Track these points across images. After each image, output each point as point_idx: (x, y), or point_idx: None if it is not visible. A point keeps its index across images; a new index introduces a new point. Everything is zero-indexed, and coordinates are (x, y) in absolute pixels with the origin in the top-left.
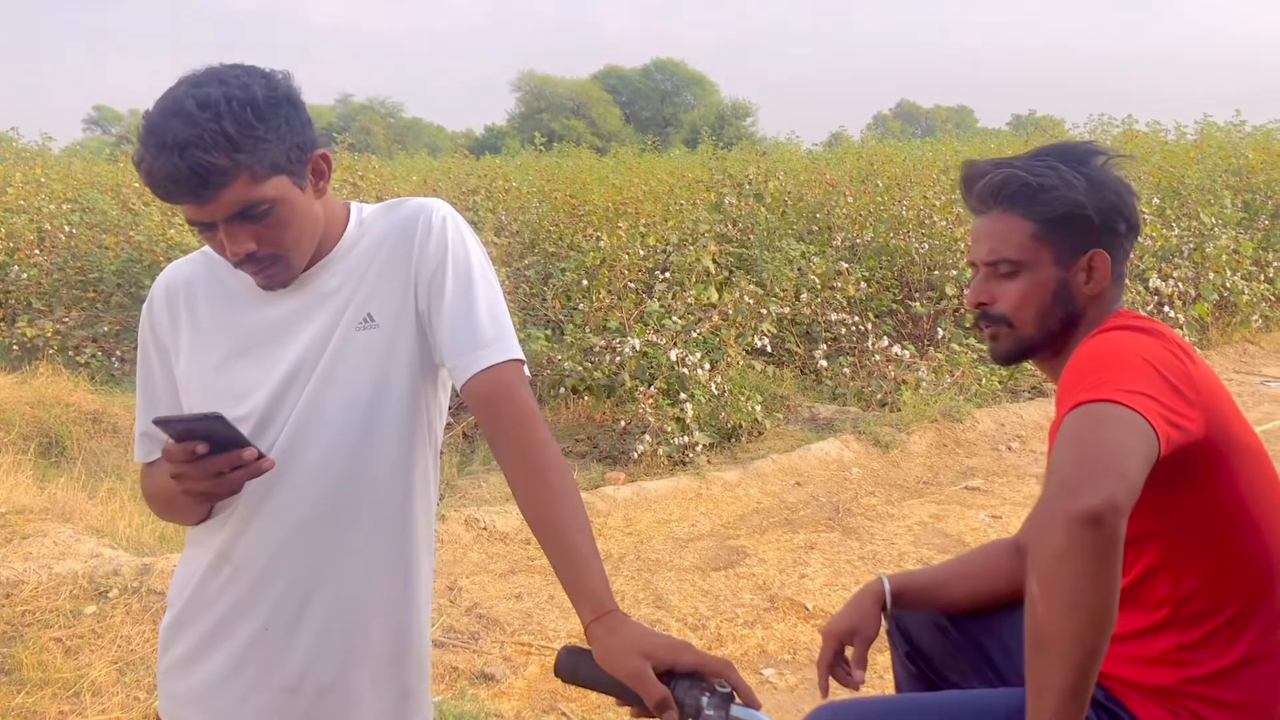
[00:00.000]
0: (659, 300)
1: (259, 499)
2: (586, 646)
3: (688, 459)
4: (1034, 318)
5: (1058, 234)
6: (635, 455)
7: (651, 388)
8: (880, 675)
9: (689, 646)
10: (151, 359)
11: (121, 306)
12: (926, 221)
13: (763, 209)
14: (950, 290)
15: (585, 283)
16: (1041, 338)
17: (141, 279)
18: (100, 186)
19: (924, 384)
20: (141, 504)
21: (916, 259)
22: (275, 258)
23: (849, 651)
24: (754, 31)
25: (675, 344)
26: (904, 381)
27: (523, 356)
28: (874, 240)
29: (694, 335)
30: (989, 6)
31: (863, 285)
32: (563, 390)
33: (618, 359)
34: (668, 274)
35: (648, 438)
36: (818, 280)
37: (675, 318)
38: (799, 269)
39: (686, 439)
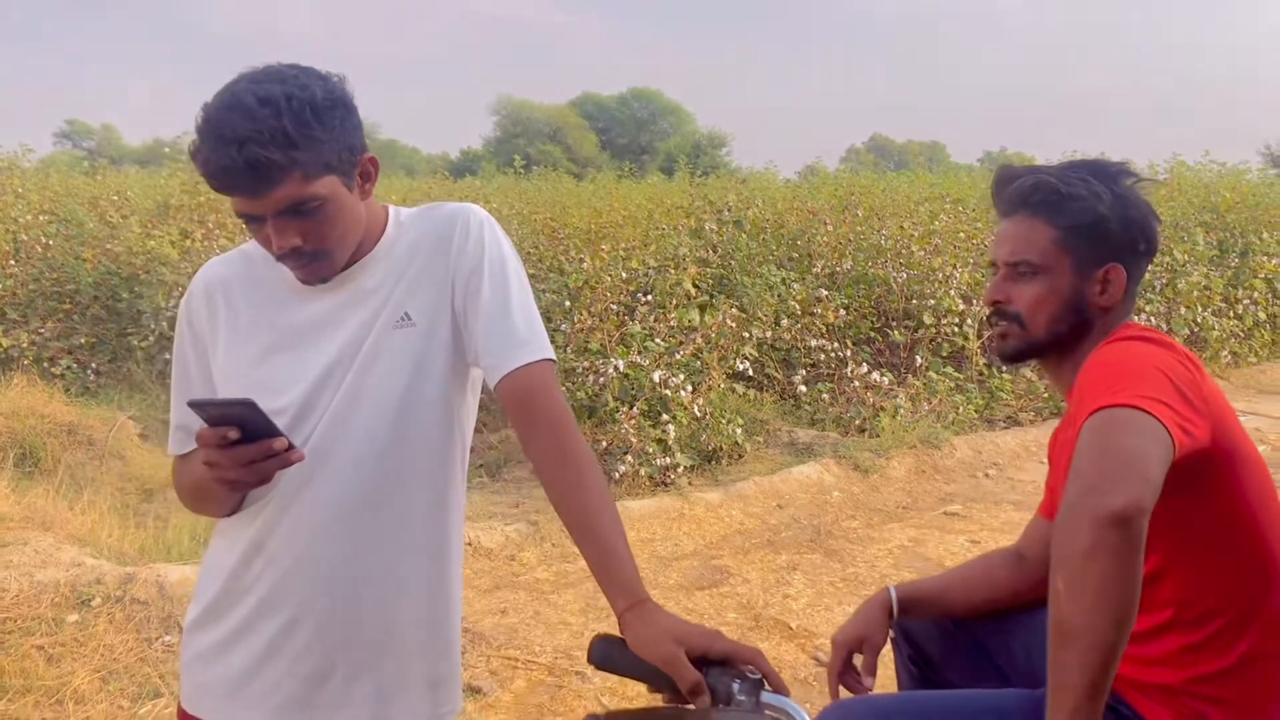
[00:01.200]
0: (641, 323)
1: (294, 491)
2: (618, 635)
3: (669, 480)
4: (1046, 321)
5: (1079, 243)
6: (617, 476)
7: (633, 409)
8: (883, 684)
9: (720, 634)
10: (187, 353)
11: (98, 319)
12: (904, 251)
13: (743, 235)
14: (928, 319)
15: (567, 304)
16: (1049, 341)
17: (119, 291)
18: (78, 199)
19: (902, 411)
20: (123, 514)
21: (895, 287)
22: (319, 254)
23: (858, 660)
24: (729, 63)
25: (658, 366)
26: (882, 408)
27: (554, 357)
28: (853, 269)
29: (677, 357)
30: (964, 46)
31: (842, 313)
32: None
33: (600, 380)
34: (650, 297)
35: (629, 458)
36: (798, 306)
37: (658, 340)
38: (779, 295)
39: (668, 460)
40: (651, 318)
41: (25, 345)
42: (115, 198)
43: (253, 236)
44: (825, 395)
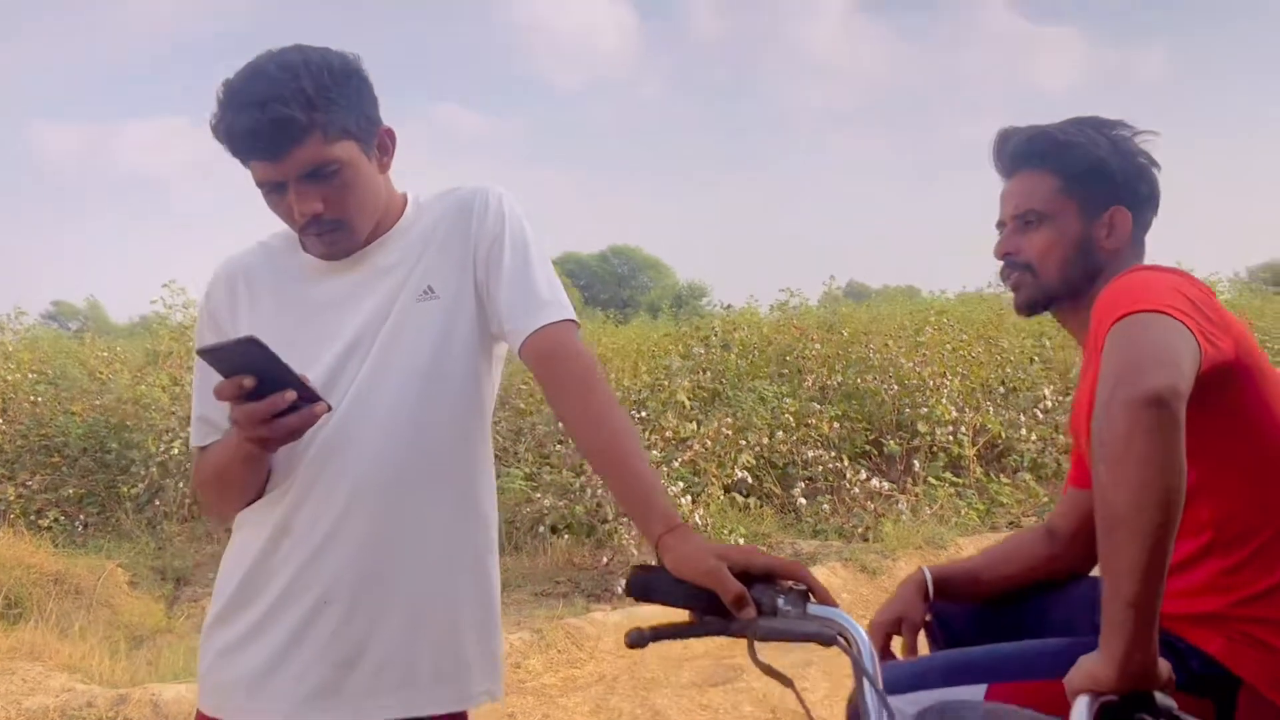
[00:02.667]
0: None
1: (319, 468)
2: (654, 564)
3: None
4: (1057, 266)
5: (1082, 188)
6: (619, 591)
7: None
8: None
9: (759, 550)
10: (207, 341)
11: (87, 471)
12: (893, 365)
13: (731, 355)
14: (922, 428)
15: (561, 425)
16: (1062, 287)
17: (108, 441)
18: (67, 356)
19: (904, 517)
20: (114, 642)
21: (886, 399)
22: (339, 223)
23: (897, 644)
24: (707, 215)
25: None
26: (884, 515)
27: (577, 319)
28: (843, 383)
29: (675, 465)
30: (935, 190)
31: (836, 425)
32: (542, 529)
33: (598, 494)
34: (644, 413)
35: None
36: (792, 419)
37: (654, 451)
38: (772, 409)
39: None
40: (647, 431)
41: (12, 498)
42: (105, 353)
43: (274, 211)
44: (826, 506)
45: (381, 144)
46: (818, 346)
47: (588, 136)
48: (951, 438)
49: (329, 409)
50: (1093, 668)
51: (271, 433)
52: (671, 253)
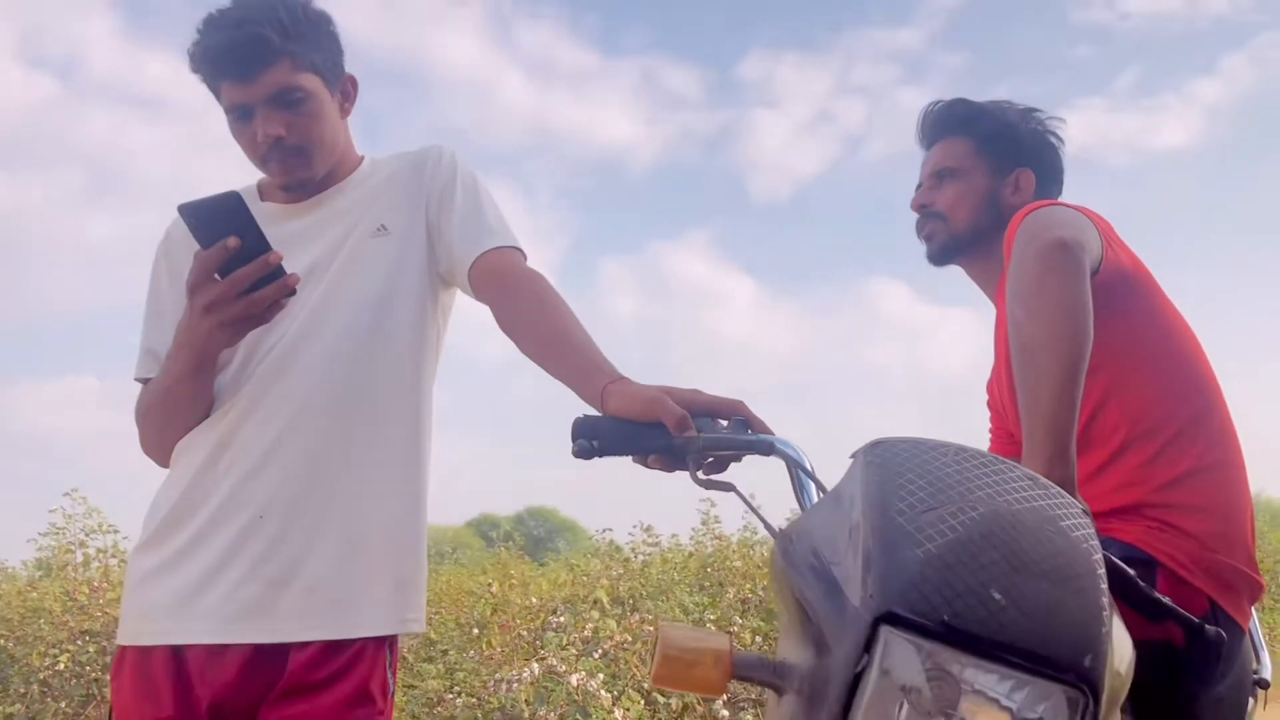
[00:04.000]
0: (556, 632)
1: (267, 385)
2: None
3: None
4: (966, 214)
5: (991, 148)
6: None
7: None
8: None
9: (701, 390)
10: (162, 280)
11: None
12: None
13: (652, 568)
14: None
15: (475, 631)
16: (971, 234)
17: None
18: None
19: None
20: None
21: None
22: (300, 149)
23: None
24: (621, 474)
25: (575, 670)
26: None
27: (525, 251)
28: (764, 598)
29: (594, 658)
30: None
31: (758, 639)
32: None
33: (514, 688)
34: (561, 618)
35: None
36: (714, 627)
37: (571, 649)
38: (694, 619)
39: None
40: (565, 631)
41: None
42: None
43: (238, 140)
44: (750, 718)
45: (345, 90)
46: (738, 562)
47: (507, 406)
48: None
49: (298, 280)
50: None
51: (248, 307)
52: (589, 513)
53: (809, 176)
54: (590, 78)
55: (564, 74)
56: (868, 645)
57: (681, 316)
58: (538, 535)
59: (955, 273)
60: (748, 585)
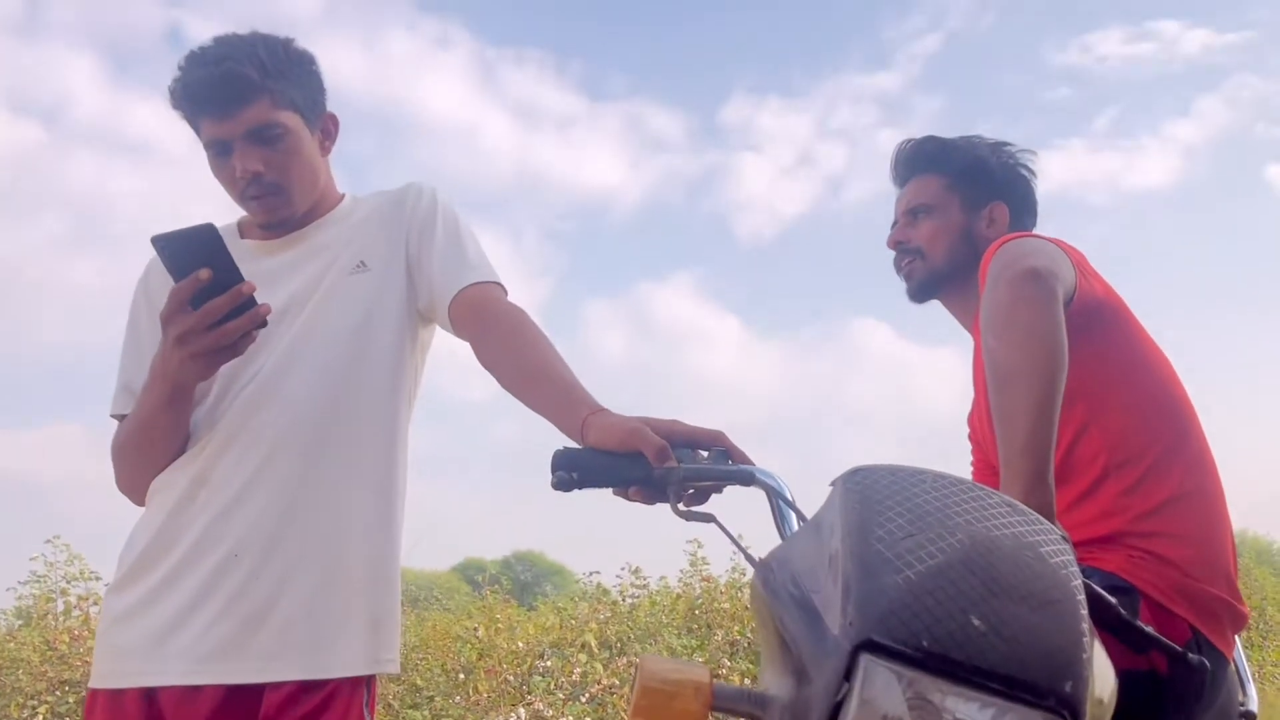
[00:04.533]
0: (543, 676)
1: (243, 420)
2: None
3: None
4: (943, 250)
5: (964, 184)
6: None
7: None
8: None
9: (681, 421)
10: (141, 317)
11: None
12: None
13: (640, 612)
14: None
15: (462, 676)
16: (949, 269)
17: None
18: None
19: None
20: None
21: None
22: (279, 188)
23: None
24: (608, 515)
25: (563, 714)
26: None
27: (506, 287)
28: (753, 643)
29: (582, 701)
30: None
31: (747, 681)
32: None
33: None
34: (548, 662)
35: None
36: None
37: (559, 693)
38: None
39: None
40: (553, 675)
41: None
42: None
43: (217, 176)
44: None
45: (325, 128)
46: (726, 604)
47: (491, 449)
48: None
49: (269, 310)
50: None
51: (219, 338)
52: (576, 557)
53: (792, 218)
54: (575, 122)
55: (549, 118)
56: (848, 673)
57: (668, 356)
58: (524, 579)
59: (937, 314)
60: (736, 627)
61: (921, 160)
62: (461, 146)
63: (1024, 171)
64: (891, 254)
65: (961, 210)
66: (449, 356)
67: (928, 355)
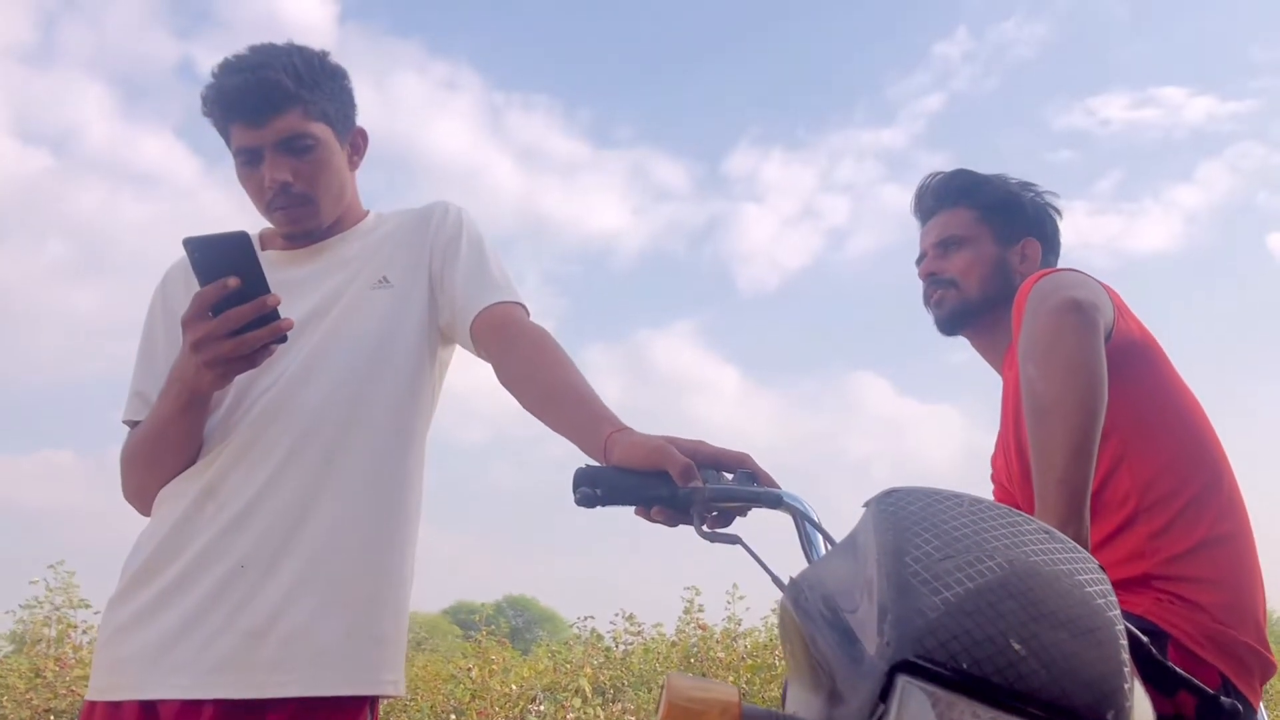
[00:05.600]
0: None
1: (258, 430)
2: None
3: None
4: (978, 281)
5: (996, 218)
6: None
7: None
8: None
9: (706, 441)
10: (157, 325)
11: None
12: None
13: (634, 658)
14: None
15: (453, 718)
16: (983, 301)
17: None
18: None
19: None
20: None
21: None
22: (306, 197)
23: None
24: (605, 561)
25: None
26: None
27: (528, 307)
28: (748, 692)
29: None
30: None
31: None
32: None
33: None
34: (541, 706)
35: None
36: None
37: None
38: None
39: None
40: None
41: None
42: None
43: (245, 185)
44: None
45: (354, 142)
46: (721, 654)
47: (485, 492)
48: None
49: (291, 325)
50: None
51: (237, 347)
52: (569, 604)
53: (794, 270)
54: (580, 168)
55: (554, 163)
56: (884, 695)
57: (666, 403)
58: (516, 625)
59: (936, 370)
60: (731, 676)
61: (952, 192)
62: (467, 187)
63: (1052, 211)
64: (891, 311)
65: (995, 243)
66: (446, 398)
67: (926, 412)
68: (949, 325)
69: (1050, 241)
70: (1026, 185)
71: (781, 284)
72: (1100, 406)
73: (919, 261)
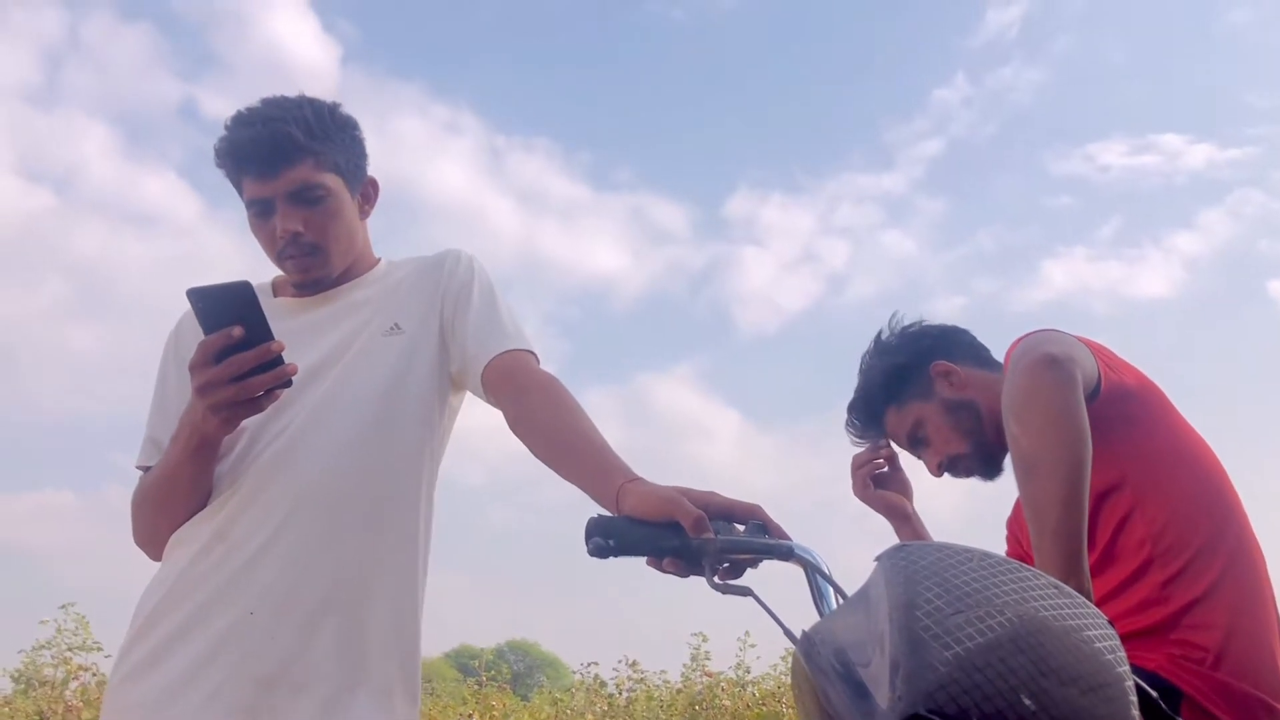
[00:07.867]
0: None
1: (268, 477)
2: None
3: None
4: (962, 440)
5: (905, 385)
6: None
7: None
8: None
9: (718, 492)
10: (169, 372)
11: None
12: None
13: (637, 706)
14: None
15: None
16: (981, 446)
17: None
18: None
19: None
20: None
21: None
22: (317, 247)
23: None
24: (606, 607)
25: None
26: None
27: (538, 355)
28: None
29: None
30: None
31: None
32: None
33: None
34: None
35: None
36: None
37: None
38: None
39: None
40: None
41: None
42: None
43: (257, 235)
44: None
45: (365, 192)
46: (727, 702)
47: (485, 535)
48: None
49: (295, 370)
50: None
51: (241, 391)
52: (571, 649)
53: (794, 313)
54: (580, 210)
55: (554, 206)
56: None
57: (667, 447)
58: (518, 670)
59: None
60: None
61: (876, 404)
62: (467, 229)
63: (926, 329)
64: None
65: (927, 401)
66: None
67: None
68: (993, 474)
69: (956, 346)
70: (901, 334)
71: (782, 327)
72: (1085, 456)
73: (892, 460)
